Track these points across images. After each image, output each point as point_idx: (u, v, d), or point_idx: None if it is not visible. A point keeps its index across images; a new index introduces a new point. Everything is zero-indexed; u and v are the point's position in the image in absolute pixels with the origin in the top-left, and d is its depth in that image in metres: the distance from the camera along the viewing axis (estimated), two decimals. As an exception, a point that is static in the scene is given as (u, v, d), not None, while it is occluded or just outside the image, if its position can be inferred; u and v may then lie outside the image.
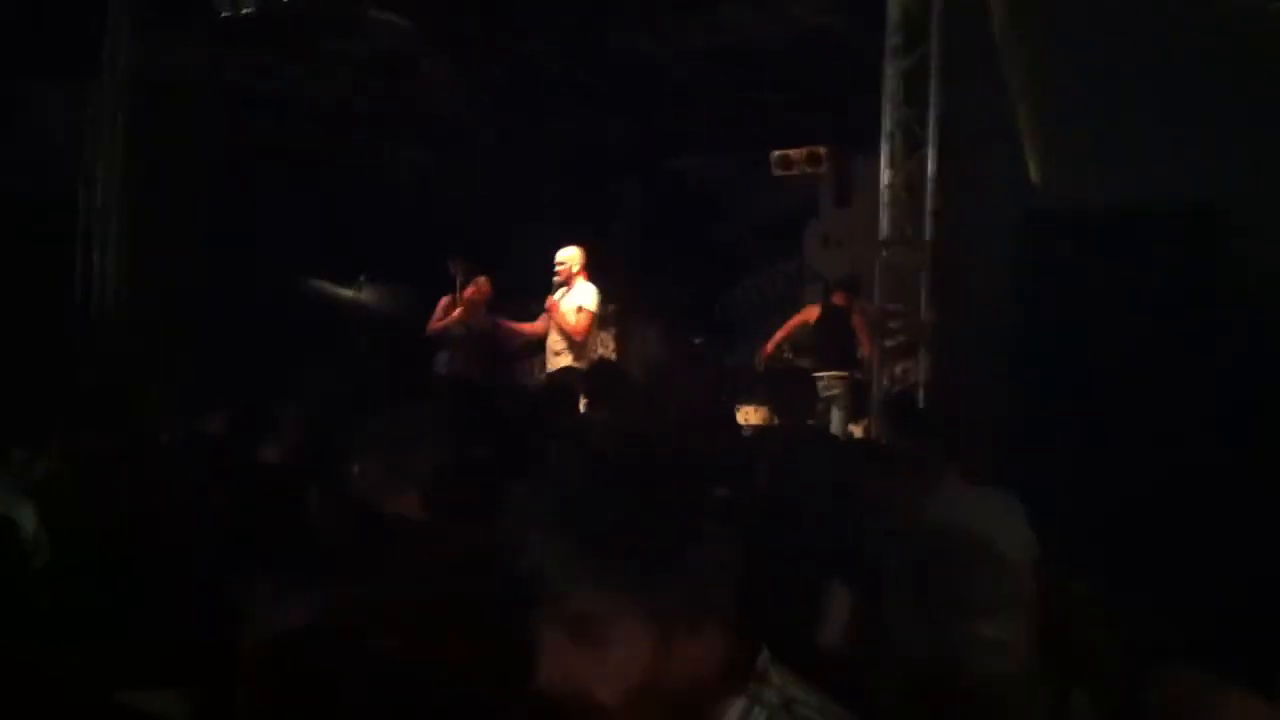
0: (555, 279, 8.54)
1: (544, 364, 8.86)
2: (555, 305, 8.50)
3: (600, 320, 10.25)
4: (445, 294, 9.56)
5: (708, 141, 11.84)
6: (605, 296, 9.05)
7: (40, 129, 8.15)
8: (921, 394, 7.02)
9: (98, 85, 8.39)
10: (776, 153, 11.37)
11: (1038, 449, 5.58)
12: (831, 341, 9.62)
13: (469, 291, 9.44)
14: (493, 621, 1.92)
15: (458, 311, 9.42)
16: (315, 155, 10.53)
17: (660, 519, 1.34)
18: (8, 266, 7.58)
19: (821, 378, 9.20)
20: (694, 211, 12.44)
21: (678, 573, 1.31)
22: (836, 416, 9.29)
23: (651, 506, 1.35)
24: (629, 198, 12.92)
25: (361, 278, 11.46)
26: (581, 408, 5.94)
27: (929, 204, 7.04)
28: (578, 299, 8.48)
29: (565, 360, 8.35)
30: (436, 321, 9.50)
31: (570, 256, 8.55)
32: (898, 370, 7.70)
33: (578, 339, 8.48)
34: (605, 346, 12.39)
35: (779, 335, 10.19)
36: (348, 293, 11.55)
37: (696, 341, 11.49)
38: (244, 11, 8.23)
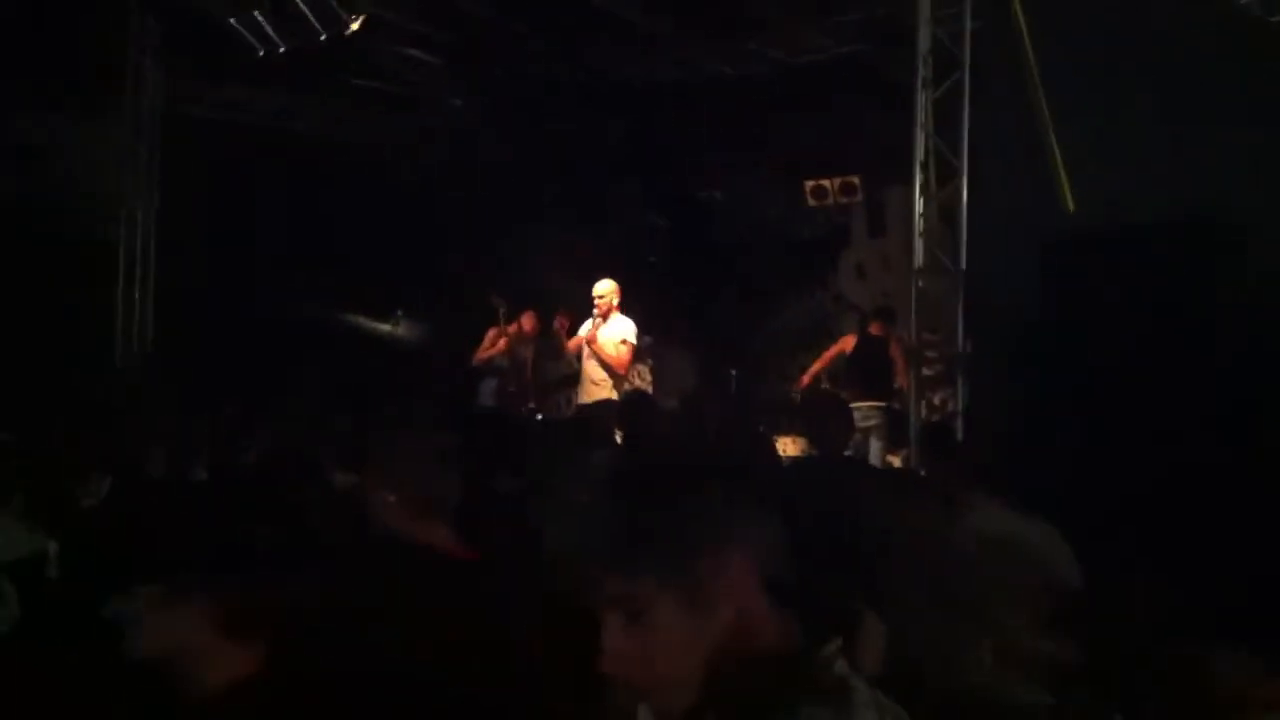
0: (594, 312, 8.59)
1: (577, 396, 8.90)
2: (593, 338, 8.53)
3: (636, 352, 10.26)
4: (481, 327, 9.80)
5: (741, 171, 11.87)
6: (640, 328, 9.08)
7: (69, 166, 8.28)
8: (960, 423, 6.97)
9: (127, 123, 8.54)
10: (811, 183, 11.38)
11: (1076, 475, 5.51)
12: (868, 371, 9.56)
13: (514, 327, 9.77)
14: (516, 649, 1.92)
15: (503, 343, 9.72)
16: (349, 191, 10.65)
17: (700, 508, 1.38)
18: (39, 304, 7.69)
19: (859, 408, 9.14)
20: (728, 242, 12.45)
21: (714, 557, 1.33)
22: (874, 447, 9.23)
23: (693, 497, 1.39)
24: (663, 230, 12.96)
25: (398, 312, 11.55)
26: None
27: (963, 232, 7.01)
28: (618, 332, 8.51)
29: (604, 391, 8.39)
30: (483, 352, 9.83)
31: (608, 289, 8.59)
32: (935, 399, 7.66)
33: (621, 372, 8.52)
34: (641, 379, 12.40)
35: (816, 366, 10.15)
36: (385, 327, 11.65)
37: (732, 372, 11.46)
38: (279, 51, 8.35)
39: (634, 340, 8.58)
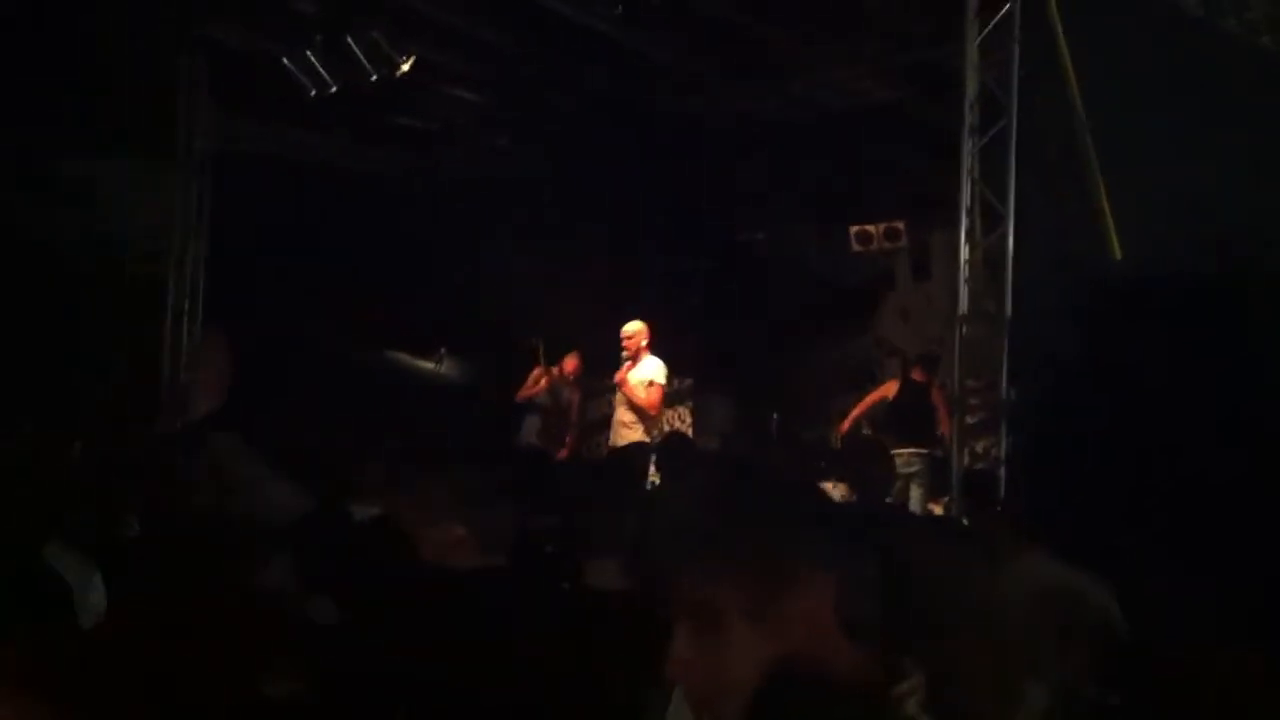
0: (623, 353, 8.60)
1: (609, 438, 8.92)
2: (624, 379, 8.53)
3: (676, 394, 10.28)
4: (523, 367, 9.93)
5: (784, 215, 11.87)
6: (681, 370, 9.10)
7: (119, 205, 8.42)
8: (1003, 471, 6.89)
9: (178, 162, 8.68)
10: (855, 228, 11.36)
11: (1122, 525, 5.43)
12: (910, 417, 9.50)
13: (557, 368, 10.02)
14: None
15: (544, 382, 9.90)
16: (396, 230, 10.76)
17: (796, 531, 1.39)
18: (88, 341, 7.79)
19: (900, 454, 9.08)
20: (770, 285, 12.43)
21: (798, 581, 1.34)
22: (915, 494, 9.15)
23: (792, 518, 1.41)
24: (705, 272, 12.97)
25: (442, 350, 11.62)
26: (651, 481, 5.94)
27: (1008, 279, 6.97)
28: (648, 373, 8.52)
29: (635, 434, 8.40)
30: (526, 390, 9.98)
31: (637, 330, 8.61)
32: (978, 447, 7.58)
33: (652, 413, 8.51)
34: (682, 420, 12.37)
35: (857, 411, 10.09)
36: (428, 365, 11.71)
37: (774, 416, 11.41)
38: (330, 91, 8.48)
39: (663, 381, 8.58)
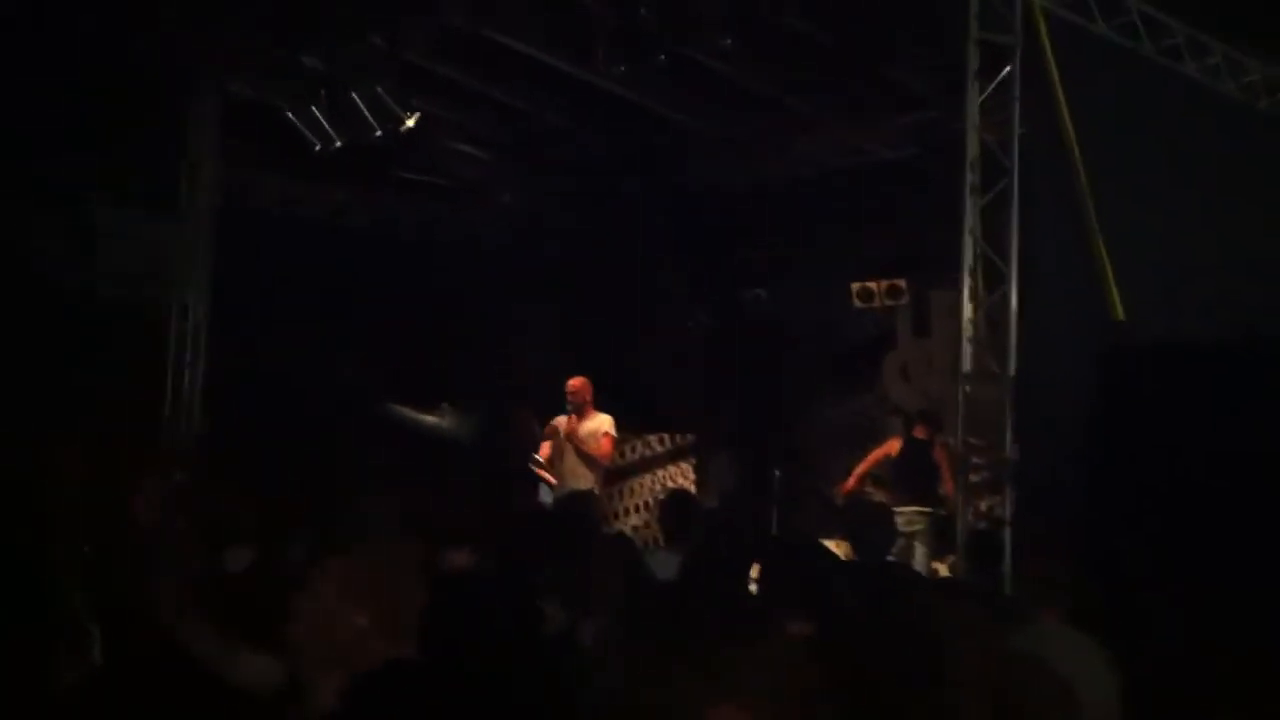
0: (568, 406, 8.85)
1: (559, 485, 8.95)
2: (574, 431, 8.78)
3: (678, 450, 10.23)
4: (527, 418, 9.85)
5: (786, 271, 11.91)
6: (684, 426, 9.08)
7: (124, 254, 8.46)
8: (1007, 531, 6.83)
9: (183, 213, 8.73)
10: (857, 285, 11.38)
11: (1126, 587, 5.39)
12: (913, 476, 9.47)
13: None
14: None
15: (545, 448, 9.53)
16: (400, 283, 10.79)
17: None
18: (97, 385, 7.79)
19: (903, 512, 9.03)
20: (773, 341, 12.44)
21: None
22: (919, 552, 9.09)
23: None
24: (707, 327, 12.99)
25: (444, 404, 11.59)
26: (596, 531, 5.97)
27: (1012, 338, 6.95)
28: (598, 425, 8.81)
29: (584, 482, 8.67)
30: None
31: (581, 385, 8.90)
32: (982, 506, 7.53)
33: (604, 463, 8.91)
34: (685, 476, 12.33)
35: (861, 468, 10.05)
36: (431, 419, 11.68)
37: (775, 473, 11.36)
38: (335, 146, 8.53)
39: (614, 433, 8.92)
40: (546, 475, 9.11)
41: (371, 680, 2.12)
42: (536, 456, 9.31)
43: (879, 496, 9.84)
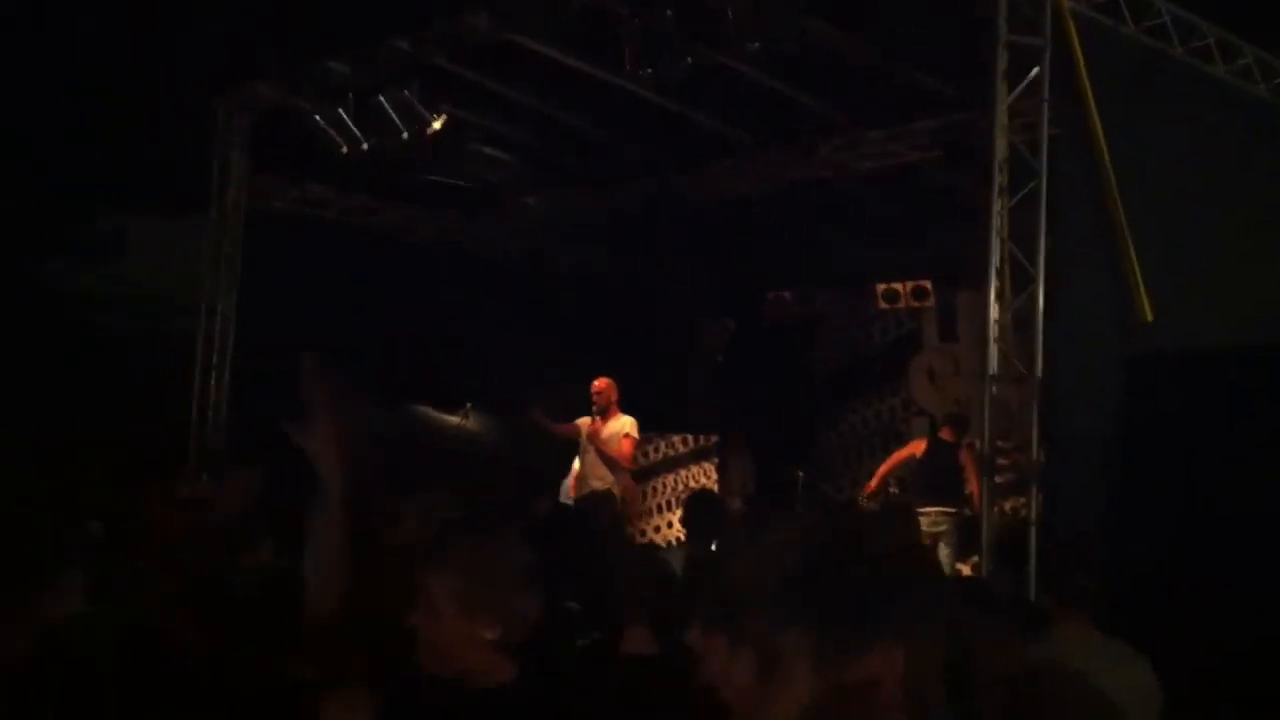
0: (593, 407, 8.86)
1: (580, 489, 8.99)
2: (596, 432, 8.74)
3: (701, 451, 10.21)
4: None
5: (811, 273, 11.91)
6: (707, 427, 9.05)
7: (152, 259, 8.54)
8: (1032, 533, 6.81)
9: (211, 218, 8.80)
10: (883, 286, 11.37)
11: (1152, 591, 5.37)
12: (938, 477, 9.46)
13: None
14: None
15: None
16: (426, 286, 10.83)
17: (892, 603, 1.39)
18: (120, 393, 7.85)
19: (928, 513, 9.02)
20: (797, 343, 12.43)
21: (876, 653, 1.33)
22: (943, 553, 9.07)
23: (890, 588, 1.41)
24: (732, 329, 12.99)
25: (468, 405, 11.63)
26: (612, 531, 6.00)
27: (1039, 340, 6.93)
28: (621, 426, 8.80)
29: (603, 484, 8.70)
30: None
31: (607, 385, 8.91)
32: (1007, 507, 7.51)
33: (625, 465, 8.86)
34: (707, 477, 12.34)
35: (884, 469, 10.05)
36: (453, 420, 11.72)
37: (799, 474, 11.37)
38: (362, 148, 8.58)
39: (635, 435, 8.90)
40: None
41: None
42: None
43: (902, 498, 9.84)
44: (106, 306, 8.18)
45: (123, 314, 8.27)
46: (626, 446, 8.80)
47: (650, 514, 12.44)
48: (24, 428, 7.06)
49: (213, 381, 8.87)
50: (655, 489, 12.61)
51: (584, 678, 2.47)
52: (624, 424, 8.81)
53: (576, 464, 9.40)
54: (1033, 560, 6.58)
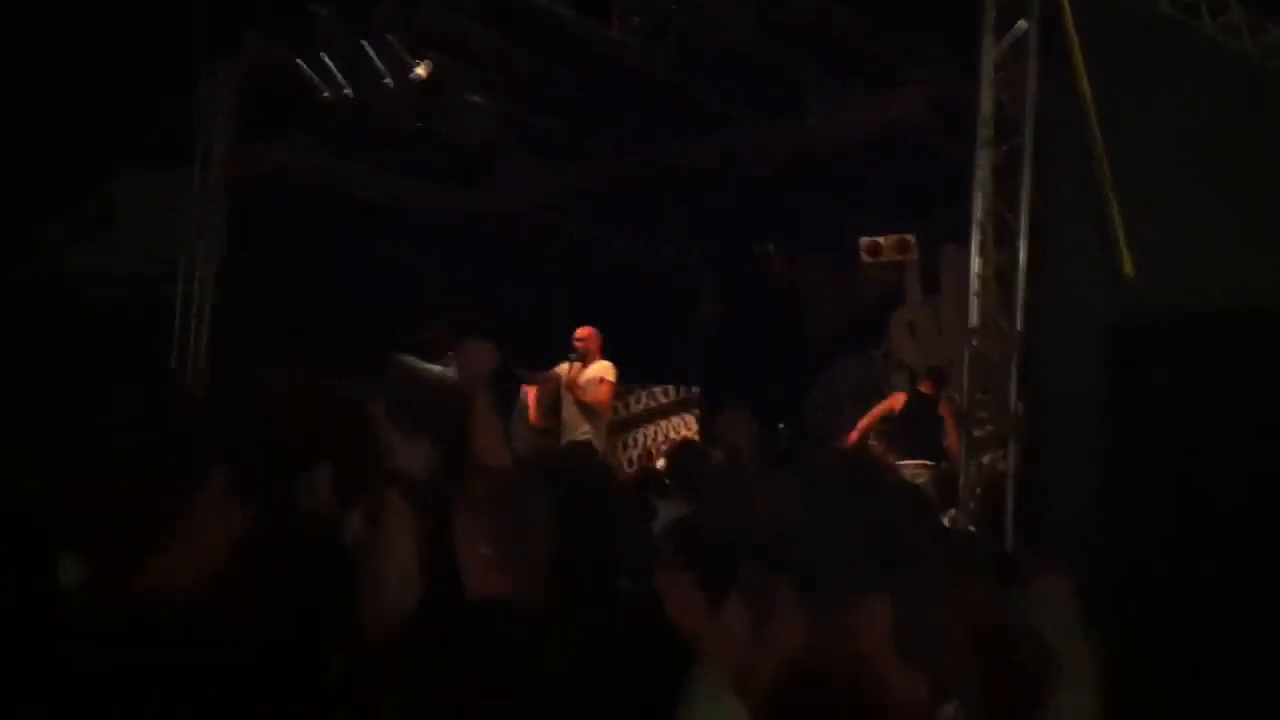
0: (571, 354, 8.71)
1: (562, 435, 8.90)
2: (574, 379, 8.63)
3: (683, 403, 10.22)
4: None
5: (794, 225, 11.90)
6: (690, 379, 9.04)
7: (134, 220, 8.48)
8: (1010, 486, 6.89)
9: (193, 178, 8.73)
10: (865, 239, 11.38)
11: (1129, 546, 5.44)
12: (917, 430, 9.53)
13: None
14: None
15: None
16: (409, 245, 10.78)
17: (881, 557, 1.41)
18: (106, 353, 7.82)
19: (906, 466, 9.10)
20: (780, 295, 12.45)
21: (869, 602, 1.37)
22: (921, 506, 9.15)
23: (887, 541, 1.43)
24: (715, 281, 13.00)
25: (450, 353, 11.61)
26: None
27: (1020, 295, 6.98)
28: (597, 371, 8.67)
29: (582, 432, 8.55)
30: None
31: (589, 333, 8.77)
32: (985, 460, 7.58)
33: (600, 412, 8.71)
34: (688, 428, 12.40)
35: (864, 423, 10.12)
36: (436, 368, 11.70)
37: (780, 426, 11.43)
38: (346, 96, 8.50)
39: (613, 379, 8.71)
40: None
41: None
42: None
43: (882, 450, 9.92)
44: (89, 263, 8.13)
45: (104, 271, 8.22)
46: (603, 391, 8.67)
47: (631, 465, 12.50)
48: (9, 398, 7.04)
49: (191, 345, 8.80)
50: (635, 439, 12.66)
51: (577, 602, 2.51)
52: (602, 368, 8.70)
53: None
54: (1009, 513, 6.68)
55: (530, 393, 9.10)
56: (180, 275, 8.71)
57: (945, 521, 8.77)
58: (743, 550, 1.45)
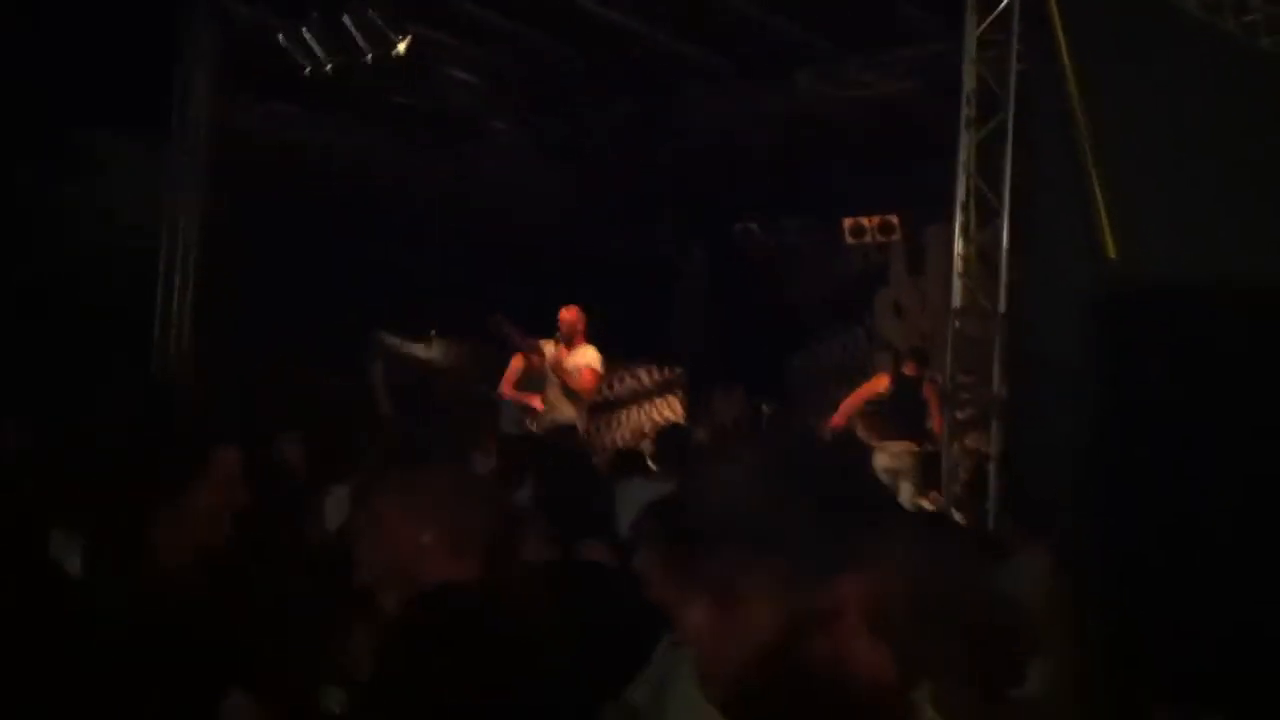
0: (556, 335, 8.67)
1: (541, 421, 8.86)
2: (558, 363, 8.58)
3: (667, 383, 10.18)
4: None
5: (778, 206, 11.87)
6: (674, 359, 9.01)
7: (119, 180, 8.39)
8: (993, 467, 6.89)
9: (176, 139, 8.63)
10: (849, 220, 11.35)
11: (1114, 526, 5.43)
12: (902, 412, 9.51)
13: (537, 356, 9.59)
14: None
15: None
16: (389, 212, 10.71)
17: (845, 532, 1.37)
18: (87, 315, 7.75)
19: (890, 448, 9.08)
20: (764, 276, 12.42)
21: (837, 583, 1.33)
22: (905, 488, 9.15)
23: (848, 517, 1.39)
24: (699, 260, 12.96)
25: (432, 332, 11.58)
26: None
27: (1003, 274, 6.96)
28: (585, 359, 8.63)
29: (566, 415, 8.53)
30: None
31: (575, 315, 8.72)
32: (968, 441, 7.59)
33: (586, 398, 8.73)
34: (673, 410, 12.37)
35: (848, 404, 10.07)
36: (419, 346, 11.67)
37: (764, 407, 11.41)
38: (326, 68, 8.42)
39: (599, 368, 8.71)
40: (529, 401, 8.86)
41: (432, 597, 2.15)
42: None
43: (865, 432, 9.90)
44: (70, 222, 8.02)
45: (86, 230, 8.12)
46: (587, 378, 8.64)
47: (615, 446, 12.47)
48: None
49: (175, 302, 8.73)
50: (619, 420, 12.62)
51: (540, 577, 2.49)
52: (588, 355, 8.67)
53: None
54: (992, 493, 6.68)
55: (513, 362, 9.07)
56: (162, 246, 8.63)
57: (928, 504, 8.80)
58: (718, 530, 1.41)
